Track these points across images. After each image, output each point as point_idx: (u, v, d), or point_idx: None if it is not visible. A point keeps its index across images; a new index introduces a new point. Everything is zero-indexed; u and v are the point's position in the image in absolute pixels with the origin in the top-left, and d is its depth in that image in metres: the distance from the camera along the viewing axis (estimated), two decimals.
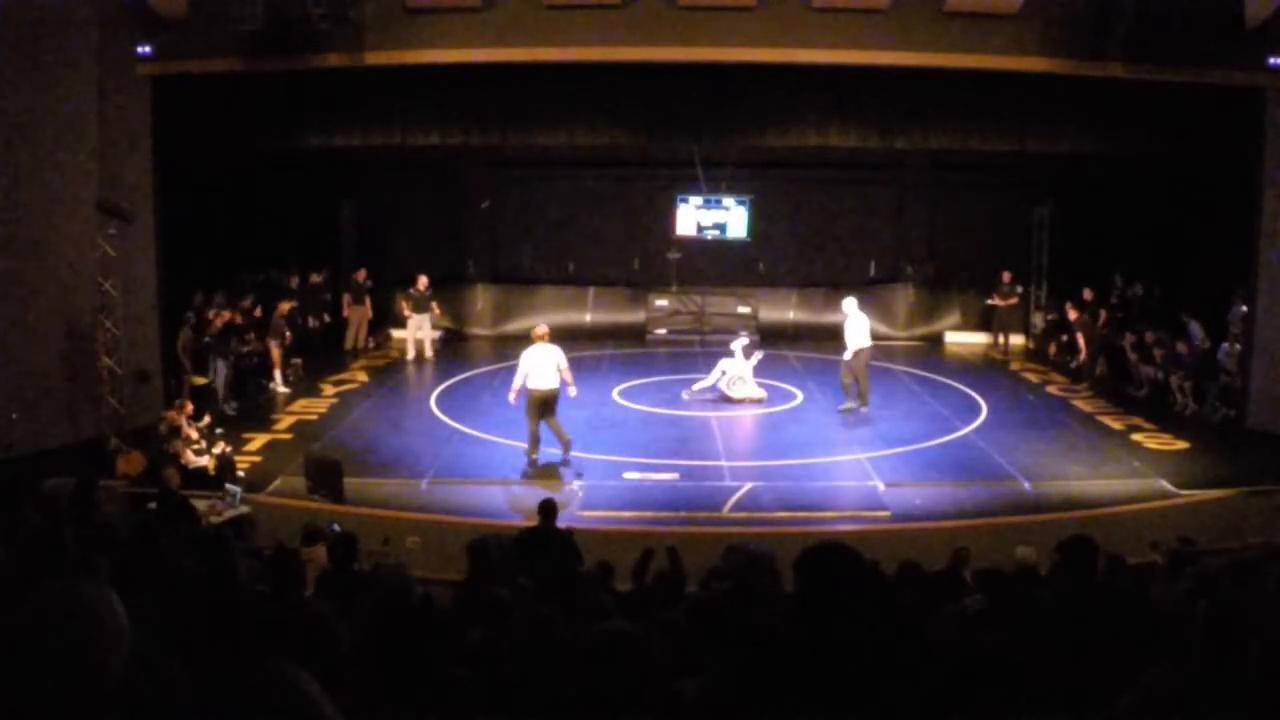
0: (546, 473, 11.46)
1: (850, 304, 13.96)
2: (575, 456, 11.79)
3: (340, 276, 18.77)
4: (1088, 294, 16.94)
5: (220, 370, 13.84)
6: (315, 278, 17.78)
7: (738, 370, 14.45)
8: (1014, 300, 18.58)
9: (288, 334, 15.54)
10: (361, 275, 18.06)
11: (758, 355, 14.93)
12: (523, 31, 12.93)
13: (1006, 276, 18.46)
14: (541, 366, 11.31)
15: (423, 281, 17.55)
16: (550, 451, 11.69)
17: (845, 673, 2.36)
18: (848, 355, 13.70)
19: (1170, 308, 15.81)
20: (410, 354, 17.61)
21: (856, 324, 13.70)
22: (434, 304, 17.68)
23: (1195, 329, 14.67)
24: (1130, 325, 16.22)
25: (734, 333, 19.20)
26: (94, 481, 8.37)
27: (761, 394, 14.48)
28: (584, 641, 2.14)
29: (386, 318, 18.97)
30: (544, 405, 11.36)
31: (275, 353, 15.32)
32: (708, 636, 4.17)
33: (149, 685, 1.84)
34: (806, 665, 2.39)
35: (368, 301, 18.11)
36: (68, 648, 1.72)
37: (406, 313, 17.68)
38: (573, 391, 11.59)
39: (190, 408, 11.85)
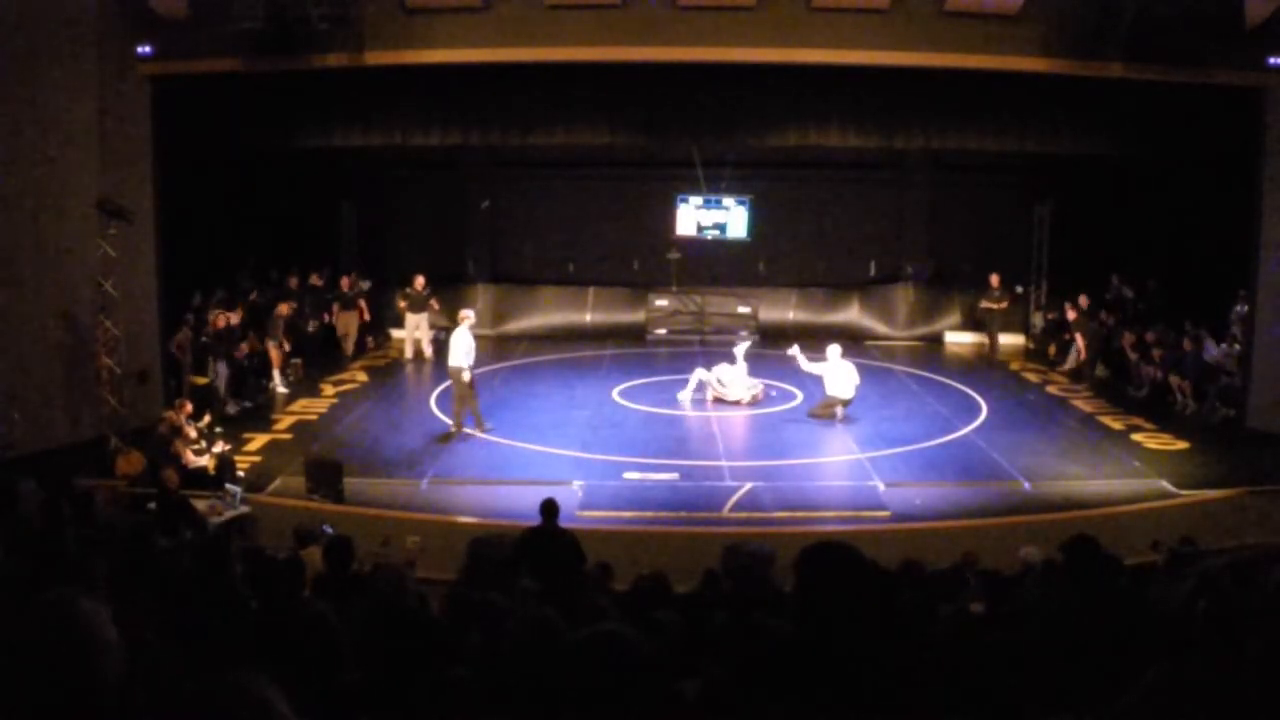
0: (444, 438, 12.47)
1: (834, 351, 13.69)
2: (575, 456, 11.89)
3: (339, 277, 18.75)
4: (1084, 301, 16.91)
5: (221, 370, 13.84)
6: (315, 278, 17.76)
7: (724, 373, 14.39)
8: (1004, 304, 18.53)
9: (283, 337, 15.52)
10: (345, 283, 17.88)
11: (745, 344, 14.92)
12: (523, 31, 12.93)
13: (995, 281, 18.40)
14: (470, 348, 12.52)
15: (419, 281, 17.53)
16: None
17: (845, 673, 2.36)
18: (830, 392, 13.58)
19: (1174, 311, 15.76)
20: (408, 353, 17.61)
21: (837, 371, 13.48)
22: (433, 302, 17.66)
23: (1210, 346, 14.58)
24: (1130, 325, 16.22)
25: (734, 332, 19.27)
26: (64, 487, 8.26)
27: (747, 396, 14.33)
28: (578, 643, 2.14)
29: (386, 318, 18.94)
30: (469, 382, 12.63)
31: (274, 353, 15.30)
32: (707, 637, 4.17)
33: (148, 686, 1.84)
34: (806, 665, 2.39)
35: (362, 305, 17.92)
36: (63, 659, 1.72)
37: (404, 310, 17.68)
38: (466, 376, 12.67)
39: (189, 407, 11.85)
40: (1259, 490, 10.75)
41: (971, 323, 19.49)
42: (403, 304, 17.67)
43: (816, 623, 2.48)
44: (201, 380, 13.57)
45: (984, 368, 17.59)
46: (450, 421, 12.90)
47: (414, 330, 17.62)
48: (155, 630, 2.77)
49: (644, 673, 2.11)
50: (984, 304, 18.52)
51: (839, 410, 13.48)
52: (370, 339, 18.51)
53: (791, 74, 14.20)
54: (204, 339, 13.77)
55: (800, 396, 14.86)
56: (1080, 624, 4.13)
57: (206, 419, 12.28)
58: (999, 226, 19.59)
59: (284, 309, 15.61)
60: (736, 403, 14.28)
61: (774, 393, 14.64)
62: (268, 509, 10.32)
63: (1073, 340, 16.96)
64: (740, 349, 14.79)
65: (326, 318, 17.91)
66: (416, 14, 12.94)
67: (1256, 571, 5.34)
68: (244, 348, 14.68)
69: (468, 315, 13.05)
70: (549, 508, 8.07)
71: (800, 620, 2.55)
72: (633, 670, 2.08)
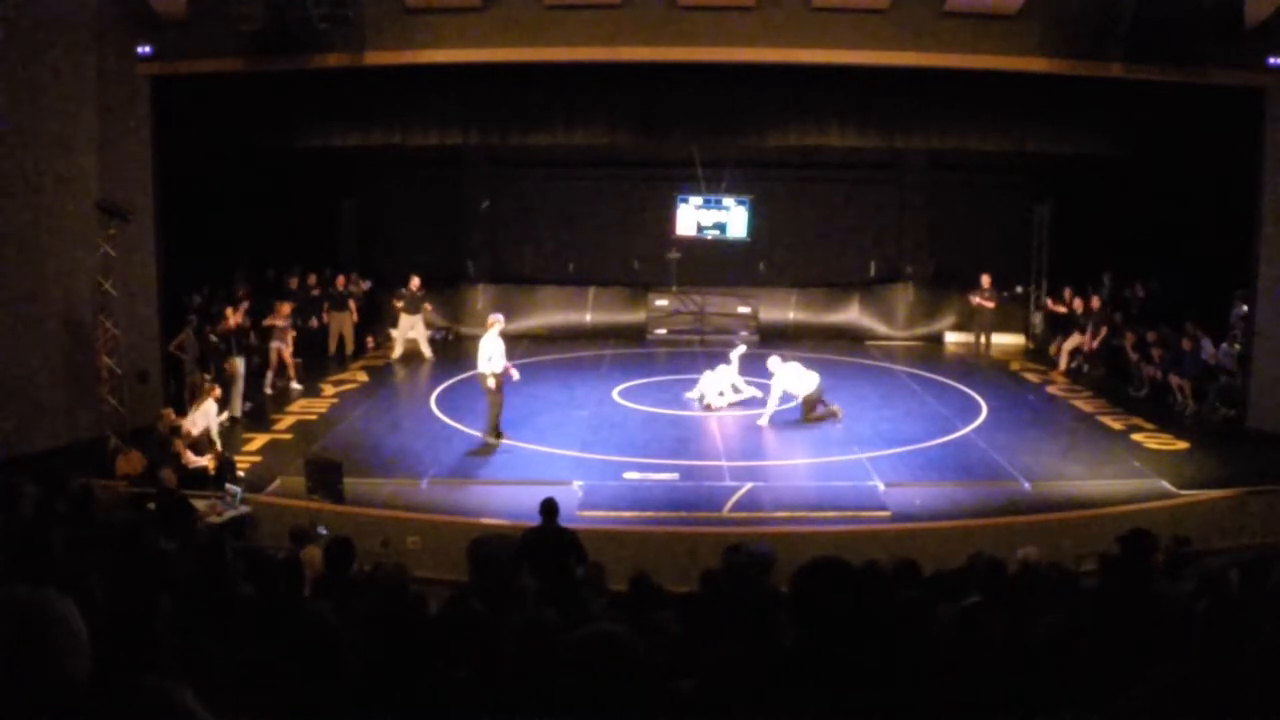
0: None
1: (774, 362, 13.55)
2: (575, 456, 11.97)
3: (336, 276, 18.70)
4: (1095, 301, 16.90)
5: (241, 369, 13.84)
6: (312, 279, 17.73)
7: (713, 375, 14.32)
8: (994, 303, 18.50)
9: (285, 338, 15.52)
10: (340, 282, 17.81)
11: (740, 349, 14.85)
12: (523, 31, 12.93)
13: (986, 280, 18.36)
14: (496, 352, 12.28)
15: (415, 282, 17.51)
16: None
17: (843, 673, 2.36)
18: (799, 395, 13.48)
19: (1174, 311, 15.74)
20: (397, 352, 17.58)
21: (790, 376, 13.36)
22: (426, 305, 17.66)
23: (1207, 344, 14.58)
24: (1133, 325, 16.19)
25: (734, 333, 19.27)
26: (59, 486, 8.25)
27: (719, 402, 14.17)
28: (574, 644, 2.15)
29: (387, 318, 18.91)
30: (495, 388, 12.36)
31: (272, 355, 15.30)
32: (705, 637, 4.16)
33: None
34: (803, 665, 2.39)
35: (352, 306, 17.76)
36: (32, 654, 1.72)
37: (399, 311, 17.65)
38: (491, 383, 12.35)
39: (218, 391, 11.98)
40: (1259, 490, 10.74)
41: (964, 322, 19.48)
42: (398, 304, 17.67)
43: (815, 632, 2.48)
44: (236, 361, 13.57)
45: (984, 368, 17.59)
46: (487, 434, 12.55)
47: (407, 330, 17.60)
48: (149, 629, 2.76)
49: (639, 672, 2.11)
50: (976, 300, 18.42)
51: (834, 408, 13.43)
52: (370, 339, 18.49)
53: (791, 74, 14.19)
54: (224, 335, 13.69)
55: (800, 397, 14.85)
56: (1082, 624, 4.13)
57: (225, 415, 12.29)
58: (999, 226, 19.58)
59: (283, 309, 15.60)
60: (720, 410, 14.17)
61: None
62: (268, 509, 10.32)
63: (1092, 330, 16.76)
64: (735, 353, 14.71)
65: (326, 318, 17.87)
66: (416, 14, 12.93)
67: (1257, 571, 5.34)
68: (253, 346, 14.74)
69: (497, 319, 12.69)
70: (549, 507, 8.07)
71: (799, 630, 2.54)
72: (628, 670, 2.08)
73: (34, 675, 1.72)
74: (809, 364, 13.85)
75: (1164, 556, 7.50)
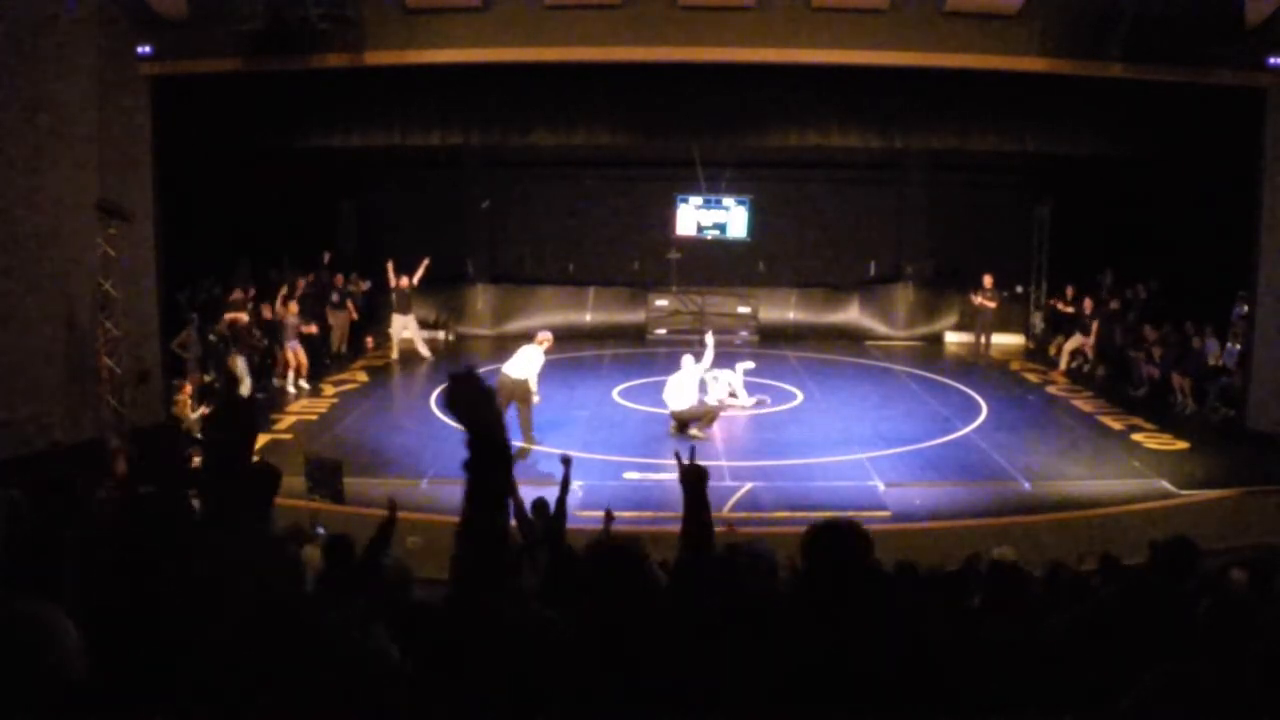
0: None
1: (688, 361, 13.34)
2: (575, 456, 11.90)
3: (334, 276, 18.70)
4: (1087, 304, 16.89)
5: (243, 367, 13.81)
6: (311, 278, 17.72)
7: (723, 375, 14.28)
8: (995, 303, 18.51)
9: (296, 332, 15.54)
10: (338, 280, 17.76)
11: (748, 364, 14.76)
12: (523, 31, 12.93)
13: (988, 281, 18.37)
14: (539, 368, 12.46)
15: (403, 281, 17.45)
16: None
17: (843, 671, 2.36)
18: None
19: (1174, 311, 15.74)
20: (394, 354, 17.56)
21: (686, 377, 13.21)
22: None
23: (1212, 344, 14.58)
24: (1140, 324, 16.18)
25: (734, 332, 19.28)
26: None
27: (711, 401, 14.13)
28: (575, 643, 2.14)
29: (384, 318, 18.90)
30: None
31: (290, 357, 15.29)
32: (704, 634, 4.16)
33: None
34: (804, 665, 2.39)
35: (349, 305, 17.79)
36: (22, 663, 1.72)
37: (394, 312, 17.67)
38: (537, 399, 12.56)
39: (187, 389, 12.02)
40: (1259, 490, 10.75)
41: (965, 322, 19.49)
42: (393, 304, 17.66)
43: (818, 608, 2.48)
44: (236, 360, 13.54)
45: (983, 367, 17.60)
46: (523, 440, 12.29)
47: (401, 331, 17.56)
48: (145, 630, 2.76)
49: (639, 671, 2.10)
50: (978, 300, 18.42)
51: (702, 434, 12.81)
52: (370, 339, 18.48)
53: (791, 74, 14.19)
54: (222, 334, 13.67)
55: (800, 396, 14.86)
56: (1082, 623, 4.12)
57: (203, 410, 12.28)
58: (999, 226, 19.59)
59: (292, 310, 15.58)
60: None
61: (768, 398, 14.61)
62: None
63: (1088, 331, 16.77)
64: (739, 366, 14.66)
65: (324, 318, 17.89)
66: (416, 14, 12.94)
67: (1259, 571, 5.34)
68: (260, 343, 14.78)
69: (547, 337, 12.70)
70: (540, 507, 8.06)
71: (801, 611, 2.55)
72: (630, 670, 2.07)
73: (24, 684, 1.72)
74: (806, 364, 13.82)
75: (1149, 556, 7.50)
